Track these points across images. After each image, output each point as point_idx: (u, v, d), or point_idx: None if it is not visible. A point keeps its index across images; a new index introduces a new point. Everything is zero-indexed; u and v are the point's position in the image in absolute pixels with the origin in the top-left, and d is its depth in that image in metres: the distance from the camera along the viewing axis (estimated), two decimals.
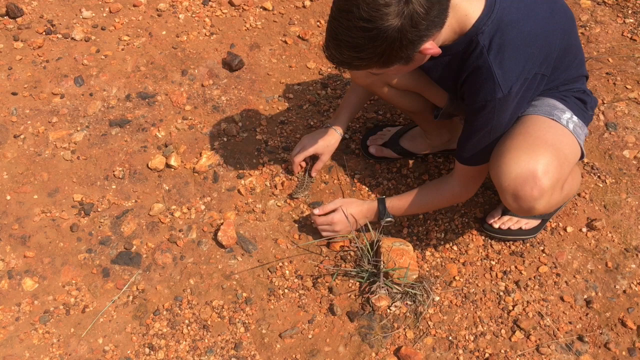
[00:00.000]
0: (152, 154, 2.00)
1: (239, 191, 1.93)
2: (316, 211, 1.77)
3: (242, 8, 2.44)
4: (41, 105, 2.09)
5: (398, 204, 1.73)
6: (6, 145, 1.98)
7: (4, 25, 2.29)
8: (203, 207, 1.90)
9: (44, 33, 2.29)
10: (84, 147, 2.00)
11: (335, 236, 1.79)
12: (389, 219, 1.74)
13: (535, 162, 1.40)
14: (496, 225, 1.84)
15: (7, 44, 2.25)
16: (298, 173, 1.96)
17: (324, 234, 1.79)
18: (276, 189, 1.95)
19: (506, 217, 1.84)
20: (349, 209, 1.76)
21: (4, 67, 2.18)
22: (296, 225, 1.88)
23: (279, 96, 2.19)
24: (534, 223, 1.83)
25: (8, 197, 1.86)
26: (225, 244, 1.79)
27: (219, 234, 1.79)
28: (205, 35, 2.34)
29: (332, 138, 1.90)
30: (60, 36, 2.29)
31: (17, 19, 2.33)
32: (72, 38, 2.29)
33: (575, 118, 1.52)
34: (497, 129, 1.47)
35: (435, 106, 1.80)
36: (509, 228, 1.83)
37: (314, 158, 1.94)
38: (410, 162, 2.03)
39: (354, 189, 1.97)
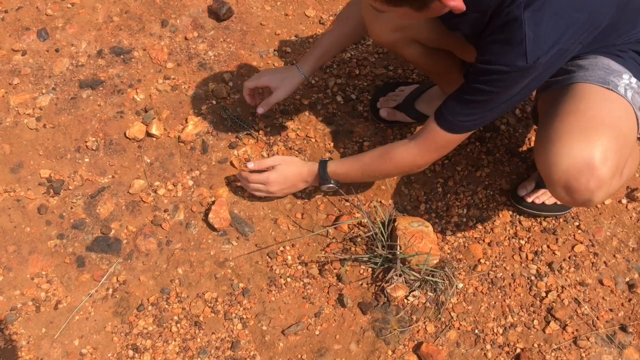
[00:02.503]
0: (130, 120, 1.73)
1: (231, 163, 1.69)
2: (250, 165, 1.55)
3: None
4: (0, 64, 1.81)
5: (341, 169, 1.49)
6: None
7: None
8: (191, 182, 1.65)
9: None
10: (51, 113, 1.73)
11: (269, 197, 1.60)
12: (330, 184, 1.52)
13: (592, 149, 1.14)
14: (529, 199, 1.61)
15: None
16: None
17: (256, 193, 1.57)
18: None
19: (541, 191, 1.61)
20: (288, 169, 1.54)
21: None
22: (298, 202, 1.64)
23: (274, 50, 1.91)
24: None
25: None
26: (217, 227, 1.56)
27: (210, 215, 1.55)
28: None
29: (293, 75, 1.60)
30: None
31: None
32: None
33: (634, 81, 1.26)
34: (498, 103, 1.20)
35: (466, 65, 1.54)
36: (543, 202, 1.61)
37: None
38: None
39: None
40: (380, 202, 1.64)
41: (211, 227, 1.57)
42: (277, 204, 1.63)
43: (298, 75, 1.60)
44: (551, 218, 1.63)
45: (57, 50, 1.84)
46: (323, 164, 1.50)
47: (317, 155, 1.72)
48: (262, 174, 1.53)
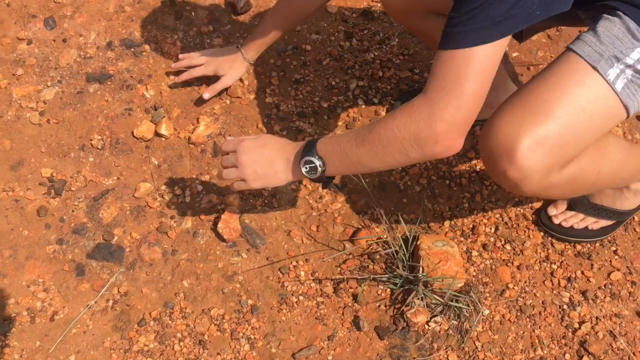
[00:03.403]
0: (138, 118, 1.63)
1: None
2: (230, 139, 1.26)
3: None
4: (4, 52, 1.71)
5: (333, 143, 1.11)
6: None
7: None
8: (200, 187, 1.55)
9: None
10: (56, 107, 1.63)
11: (237, 185, 1.24)
12: (316, 169, 1.12)
13: (521, 136, 1.01)
14: (557, 221, 1.50)
15: None
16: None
17: (223, 175, 1.23)
18: None
19: (571, 213, 1.49)
20: (269, 138, 1.23)
21: None
22: (314, 213, 1.53)
23: (293, 48, 1.80)
24: (604, 223, 1.48)
25: None
26: (227, 237, 1.45)
27: (220, 225, 1.45)
28: None
29: (239, 64, 1.59)
30: None
31: None
32: None
33: None
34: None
35: None
36: (571, 226, 1.49)
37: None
38: None
39: None
40: (402, 216, 1.53)
41: (220, 238, 1.47)
42: (291, 215, 1.53)
43: (244, 64, 1.59)
44: (584, 242, 1.51)
45: (64, 41, 1.74)
46: (313, 140, 1.16)
47: None
48: (237, 138, 1.24)
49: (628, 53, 1.04)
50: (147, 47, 1.75)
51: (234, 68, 1.59)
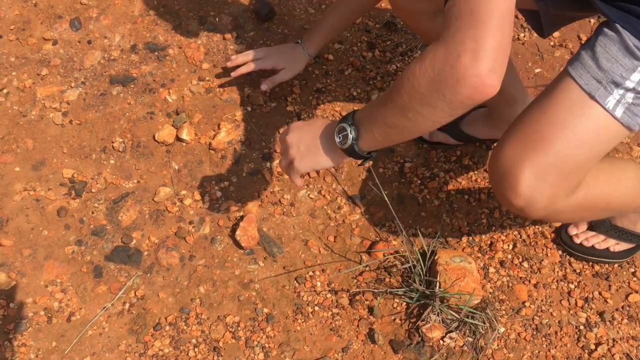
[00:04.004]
0: (160, 122, 1.64)
1: (263, 176, 1.58)
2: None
3: None
4: (29, 52, 1.72)
5: (367, 108, 1.01)
6: None
7: None
8: (219, 194, 1.55)
9: None
10: (78, 108, 1.64)
11: (285, 169, 1.14)
12: (349, 129, 0.99)
13: (524, 169, 1.03)
14: (578, 240, 1.49)
15: None
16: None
17: (279, 163, 1.19)
18: (309, 175, 1.59)
19: (592, 233, 1.48)
20: (313, 120, 1.17)
21: None
22: (332, 223, 1.53)
23: (316, 57, 1.79)
24: (626, 245, 1.47)
25: None
26: (244, 245, 1.46)
27: (238, 232, 1.45)
28: None
29: (300, 58, 1.59)
30: None
31: None
32: None
33: None
34: None
35: None
36: (592, 246, 1.48)
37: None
38: (473, 149, 1.66)
39: (402, 180, 1.61)
40: (420, 230, 1.53)
41: (237, 245, 1.47)
42: (309, 224, 1.53)
43: (305, 56, 1.58)
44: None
45: (89, 42, 1.76)
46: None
47: (354, 173, 1.61)
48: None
49: (628, 76, 1.00)
50: (170, 51, 1.76)
51: (294, 61, 1.58)
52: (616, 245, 1.47)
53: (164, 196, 1.53)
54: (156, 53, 1.75)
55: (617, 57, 1.00)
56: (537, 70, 1.84)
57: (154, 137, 1.61)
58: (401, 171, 1.62)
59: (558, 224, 1.55)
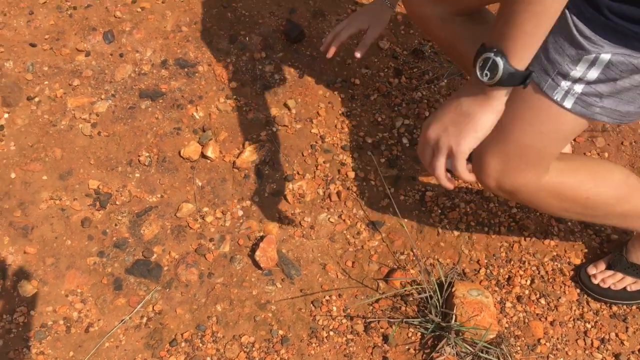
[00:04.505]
0: (186, 138, 1.66)
1: (285, 197, 1.60)
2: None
3: None
4: (62, 62, 1.76)
5: (496, 28, 0.89)
6: (17, 109, 1.66)
7: None
8: (241, 212, 1.57)
9: None
10: (107, 120, 1.67)
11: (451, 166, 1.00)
12: (492, 53, 0.88)
13: (490, 153, 1.11)
14: (596, 281, 1.48)
15: None
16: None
17: (436, 174, 1.01)
18: (330, 199, 1.60)
19: (609, 272, 1.47)
20: (450, 103, 0.99)
21: (25, 10, 1.84)
22: (350, 249, 1.54)
23: (342, 80, 1.82)
24: None
25: (13, 175, 1.56)
26: (263, 265, 1.47)
27: (257, 253, 1.47)
28: None
29: (380, 10, 1.54)
30: None
31: None
32: None
33: (592, 74, 0.98)
34: None
35: None
36: (609, 287, 1.47)
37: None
38: None
39: (423, 209, 1.62)
40: (438, 260, 1.53)
41: (256, 265, 1.49)
42: (327, 248, 1.54)
43: (386, 8, 1.54)
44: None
45: (121, 55, 1.79)
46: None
47: (375, 199, 1.61)
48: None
49: (574, 66, 0.97)
50: (200, 68, 1.78)
51: (377, 16, 1.54)
52: (633, 284, 1.46)
53: (187, 212, 1.55)
54: (186, 69, 1.78)
55: (564, 47, 0.98)
56: None
57: (179, 152, 1.63)
58: (422, 200, 1.62)
59: (578, 261, 1.54)
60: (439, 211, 1.61)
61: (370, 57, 1.87)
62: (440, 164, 0.98)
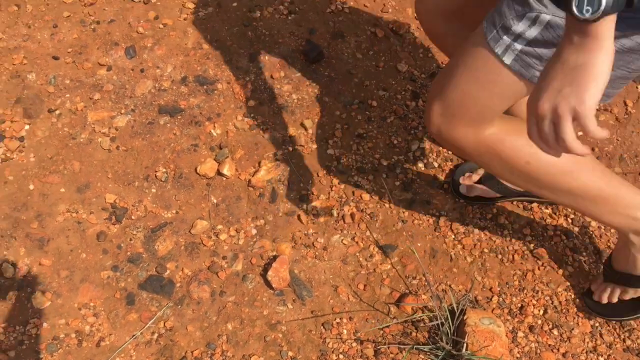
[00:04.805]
0: (203, 155, 1.68)
1: (299, 217, 1.60)
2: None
3: None
4: (84, 76, 1.79)
5: None
6: (38, 121, 1.69)
7: None
8: (254, 231, 1.58)
9: None
10: (126, 135, 1.69)
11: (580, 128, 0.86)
12: None
13: (433, 101, 1.20)
14: (595, 298, 1.50)
15: None
16: None
17: (570, 147, 0.86)
18: (344, 221, 1.61)
19: (603, 287, 1.49)
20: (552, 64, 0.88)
21: (49, 23, 1.88)
22: (362, 271, 1.54)
23: (359, 102, 1.83)
24: (633, 292, 1.45)
25: (31, 187, 1.58)
26: (275, 286, 1.47)
27: (270, 273, 1.47)
28: (283, 14, 1.98)
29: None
30: None
31: None
32: None
33: (531, 32, 0.99)
34: None
35: None
36: (607, 303, 1.48)
37: None
38: (510, 208, 1.65)
39: (437, 233, 1.61)
40: (450, 286, 1.52)
41: (268, 285, 1.49)
42: (340, 270, 1.54)
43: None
44: (635, 335, 1.48)
45: (142, 71, 1.81)
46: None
47: (388, 222, 1.61)
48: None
49: (517, 21, 0.99)
50: (219, 85, 1.80)
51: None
52: (625, 294, 1.45)
53: (201, 229, 1.56)
54: (205, 86, 1.80)
55: (515, 1, 1.00)
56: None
57: (195, 169, 1.64)
58: (436, 224, 1.62)
59: (586, 286, 1.53)
60: (453, 236, 1.60)
61: (388, 79, 1.88)
62: (570, 131, 0.85)
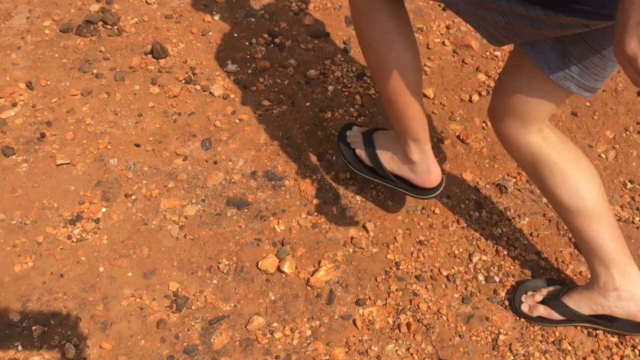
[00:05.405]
0: (265, 250, 1.72)
1: (354, 322, 1.60)
2: None
3: None
4: (161, 164, 1.89)
5: None
6: (115, 205, 1.78)
7: (146, 64, 2.14)
8: (309, 332, 1.58)
9: (183, 81, 2.10)
10: (194, 224, 1.76)
11: None
12: None
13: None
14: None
15: (144, 86, 2.08)
16: None
17: None
18: (399, 330, 1.59)
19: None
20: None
21: (135, 112, 2.01)
22: None
23: (422, 208, 1.84)
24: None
25: (101, 269, 1.65)
26: None
27: None
28: (353, 115, 2.05)
29: None
30: (198, 87, 2.09)
31: (159, 60, 2.17)
32: (211, 92, 2.08)
33: None
34: None
35: None
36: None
37: None
38: (574, 333, 1.60)
39: (495, 352, 1.57)
40: None
41: None
42: None
43: None
44: None
45: (215, 163, 1.90)
46: None
47: (445, 335, 1.59)
48: None
49: None
50: (286, 182, 1.86)
51: None
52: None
53: (257, 325, 1.58)
54: (273, 182, 1.86)
55: None
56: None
57: (257, 264, 1.68)
58: (495, 343, 1.58)
59: None
60: (512, 358, 1.56)
61: (452, 186, 1.90)
62: None
